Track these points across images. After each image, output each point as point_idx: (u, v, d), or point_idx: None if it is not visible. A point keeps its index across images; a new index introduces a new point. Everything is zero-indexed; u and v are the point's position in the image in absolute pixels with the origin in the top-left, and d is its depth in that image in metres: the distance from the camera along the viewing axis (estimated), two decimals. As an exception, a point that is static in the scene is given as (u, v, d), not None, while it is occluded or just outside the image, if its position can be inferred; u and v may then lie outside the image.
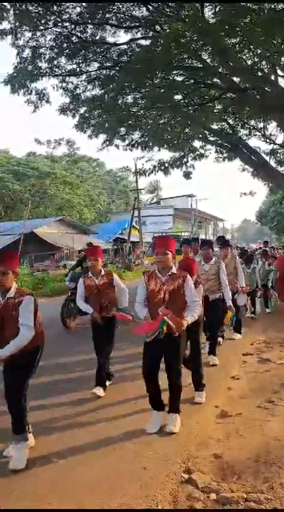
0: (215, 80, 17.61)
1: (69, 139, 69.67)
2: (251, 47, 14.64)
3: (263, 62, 15.88)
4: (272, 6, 12.80)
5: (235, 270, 10.58)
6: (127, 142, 20.51)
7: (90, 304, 7.00)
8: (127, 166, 77.54)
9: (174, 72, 17.15)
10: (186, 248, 10.95)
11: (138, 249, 40.72)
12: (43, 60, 16.87)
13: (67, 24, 16.20)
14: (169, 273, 5.46)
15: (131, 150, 20.83)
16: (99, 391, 6.66)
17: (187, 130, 19.07)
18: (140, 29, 16.86)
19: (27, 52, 16.71)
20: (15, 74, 16.74)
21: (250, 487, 4.10)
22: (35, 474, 4.46)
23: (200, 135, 20.14)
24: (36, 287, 21.80)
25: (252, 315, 13.82)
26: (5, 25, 15.74)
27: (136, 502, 3.87)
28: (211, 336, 8.79)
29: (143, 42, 17.04)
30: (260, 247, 30.85)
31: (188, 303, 5.50)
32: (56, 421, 5.80)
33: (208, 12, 14.69)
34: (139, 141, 20.23)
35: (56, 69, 17.38)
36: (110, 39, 17.19)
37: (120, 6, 15.78)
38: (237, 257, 11.58)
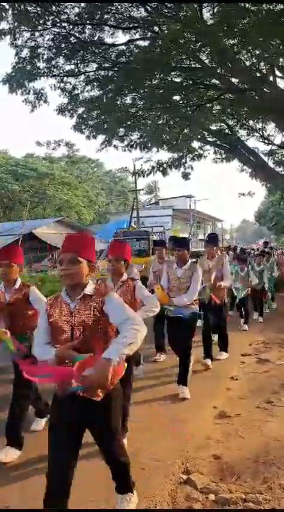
0: (214, 80, 17.62)
1: (68, 141, 69.75)
2: (250, 48, 14.65)
3: (262, 63, 15.89)
4: (271, 7, 12.82)
5: (221, 275, 8.60)
6: (126, 143, 20.47)
7: None
8: (126, 167, 77.63)
9: (173, 73, 17.13)
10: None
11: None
12: (41, 60, 16.86)
13: (65, 24, 16.18)
14: (81, 295, 3.36)
15: (130, 151, 20.81)
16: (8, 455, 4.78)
17: (186, 131, 19.05)
18: (138, 29, 16.84)
19: (25, 52, 16.71)
20: (13, 74, 16.76)
21: (249, 488, 4.10)
22: (34, 474, 4.45)
23: (199, 136, 20.14)
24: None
25: (245, 325, 12.34)
26: (4, 25, 15.75)
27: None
28: (182, 364, 6.88)
29: (142, 43, 17.06)
30: (259, 248, 30.58)
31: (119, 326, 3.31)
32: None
33: (206, 13, 14.70)
34: (138, 141, 20.20)
35: (54, 70, 17.37)
36: (108, 40, 17.20)
37: (119, 6, 15.77)
38: (225, 259, 9.06)
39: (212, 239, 9.25)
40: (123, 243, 5.56)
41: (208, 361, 8.23)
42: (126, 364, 3.62)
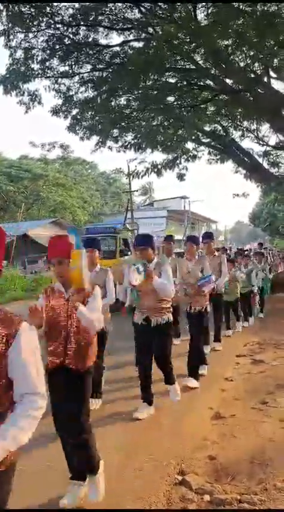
0: (208, 81, 17.65)
1: (63, 143, 69.72)
2: (244, 48, 14.68)
3: (256, 64, 15.92)
4: (265, 8, 12.85)
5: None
6: (120, 144, 20.46)
7: None
8: (120, 168, 77.60)
9: (167, 74, 17.14)
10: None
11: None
12: (35, 62, 16.81)
13: (59, 25, 16.17)
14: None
15: (124, 152, 20.77)
16: None
17: (180, 132, 19.07)
18: (133, 31, 16.84)
19: (19, 53, 16.67)
20: (7, 75, 16.72)
21: (244, 489, 4.10)
22: (33, 478, 4.42)
23: (193, 137, 20.14)
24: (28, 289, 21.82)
25: (229, 331, 11.54)
26: (-2, 26, 15.75)
27: (129, 504, 3.86)
28: (166, 379, 6.38)
29: (136, 44, 17.05)
30: (251, 249, 30.28)
31: (15, 397, 2.27)
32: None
33: (200, 14, 14.72)
34: (132, 142, 20.18)
35: (48, 71, 17.32)
36: (103, 41, 17.18)
37: (113, 8, 15.77)
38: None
39: (191, 238, 8.30)
40: (63, 237, 4.24)
41: (193, 382, 7.13)
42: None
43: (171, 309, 6.24)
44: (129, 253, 15.90)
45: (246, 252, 19.16)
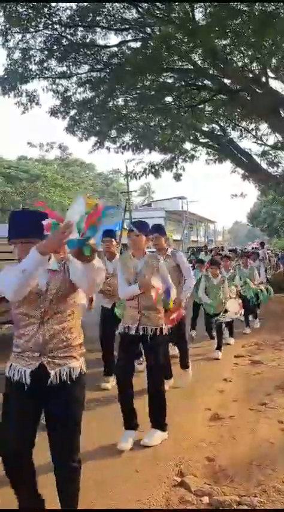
0: (206, 81, 17.64)
1: (61, 144, 69.91)
2: (242, 48, 14.65)
3: (254, 64, 15.90)
4: (263, 8, 12.82)
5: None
6: (118, 144, 20.47)
7: None
8: (118, 169, 77.68)
9: (165, 74, 17.13)
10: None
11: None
12: (33, 62, 16.80)
13: (57, 26, 16.15)
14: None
15: (122, 153, 20.77)
16: None
17: (177, 132, 19.05)
18: (130, 31, 16.84)
19: (17, 54, 16.65)
20: (5, 76, 16.71)
21: (243, 490, 4.07)
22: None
23: (191, 137, 20.14)
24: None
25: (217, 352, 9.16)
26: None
27: (128, 505, 3.84)
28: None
29: (134, 44, 17.05)
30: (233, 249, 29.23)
31: None
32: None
33: (198, 14, 14.71)
34: (130, 143, 20.19)
35: (46, 72, 17.31)
36: (100, 42, 17.16)
37: (110, 8, 15.75)
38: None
39: (137, 224, 5.36)
40: None
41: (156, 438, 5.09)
42: None
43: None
44: None
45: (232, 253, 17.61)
